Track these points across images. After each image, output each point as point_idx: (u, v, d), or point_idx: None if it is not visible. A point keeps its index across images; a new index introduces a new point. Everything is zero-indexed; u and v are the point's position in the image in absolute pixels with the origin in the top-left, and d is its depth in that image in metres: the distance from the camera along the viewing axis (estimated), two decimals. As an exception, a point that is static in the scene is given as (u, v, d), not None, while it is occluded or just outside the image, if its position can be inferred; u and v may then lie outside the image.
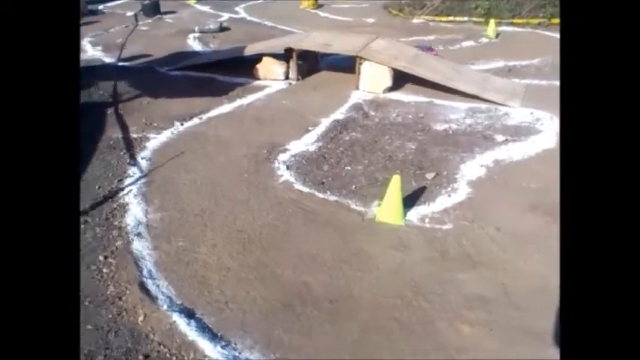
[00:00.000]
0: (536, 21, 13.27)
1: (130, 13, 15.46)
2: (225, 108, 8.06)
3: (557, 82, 9.06)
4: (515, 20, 13.48)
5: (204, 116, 7.68)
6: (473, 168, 6.03)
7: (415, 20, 14.61)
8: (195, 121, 7.51)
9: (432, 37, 12.38)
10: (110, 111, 7.80)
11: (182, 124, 7.33)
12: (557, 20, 12.98)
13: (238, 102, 8.32)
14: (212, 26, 13.37)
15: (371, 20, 14.83)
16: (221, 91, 8.72)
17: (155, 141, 6.81)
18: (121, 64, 10.58)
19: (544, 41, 11.87)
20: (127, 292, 4.05)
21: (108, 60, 10.84)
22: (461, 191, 5.53)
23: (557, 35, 12.49)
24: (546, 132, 7.00)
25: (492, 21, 12.55)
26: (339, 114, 7.78)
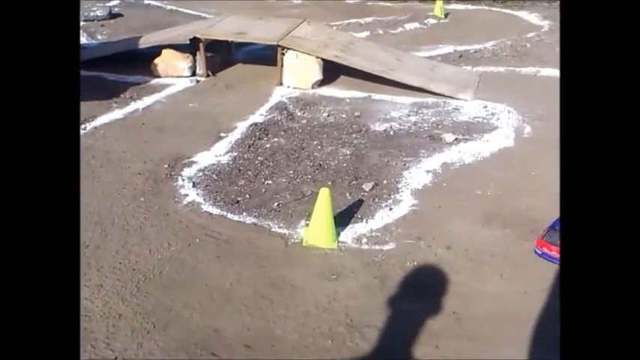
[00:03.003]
0: (491, -3, 13.93)
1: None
2: (116, 114, 7.93)
3: (516, 69, 9.56)
4: (467, -3, 14.09)
5: (89, 126, 7.52)
6: (418, 175, 6.24)
7: (350, -1, 14.96)
8: (77, 132, 7.32)
9: (369, 20, 12.72)
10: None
11: (59, 137, 7.13)
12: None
13: (132, 106, 8.22)
14: (99, 12, 13.15)
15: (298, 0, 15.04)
16: (110, 93, 8.57)
17: (23, 160, 6.57)
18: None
19: (501, 20, 12.48)
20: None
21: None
22: (404, 203, 5.69)
23: (516, 13, 13.19)
24: (503, 128, 7.34)
25: (440, -2, 13.04)
26: (259, 116, 7.84)
